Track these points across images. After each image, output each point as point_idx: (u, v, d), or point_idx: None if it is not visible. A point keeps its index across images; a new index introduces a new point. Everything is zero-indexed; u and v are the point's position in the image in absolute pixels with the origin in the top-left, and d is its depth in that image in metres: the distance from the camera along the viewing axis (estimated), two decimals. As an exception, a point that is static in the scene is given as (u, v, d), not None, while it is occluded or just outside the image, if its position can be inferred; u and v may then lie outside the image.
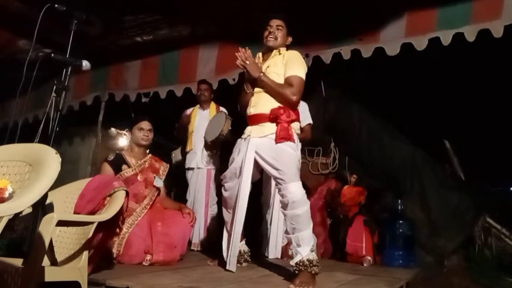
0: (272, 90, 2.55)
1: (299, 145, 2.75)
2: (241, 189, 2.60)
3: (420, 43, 3.46)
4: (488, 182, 5.65)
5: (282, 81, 2.56)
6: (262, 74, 2.56)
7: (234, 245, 2.63)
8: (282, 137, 2.46)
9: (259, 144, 2.55)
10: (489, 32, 3.19)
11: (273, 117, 2.52)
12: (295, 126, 2.58)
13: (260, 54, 2.76)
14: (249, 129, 2.65)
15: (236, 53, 2.59)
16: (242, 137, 2.70)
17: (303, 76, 2.56)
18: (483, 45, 3.32)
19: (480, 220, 3.96)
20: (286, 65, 2.58)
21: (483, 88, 5.52)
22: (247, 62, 2.56)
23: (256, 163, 2.60)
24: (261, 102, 2.60)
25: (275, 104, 2.54)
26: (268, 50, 2.70)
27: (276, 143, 2.47)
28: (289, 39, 2.72)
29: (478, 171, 5.23)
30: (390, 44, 3.61)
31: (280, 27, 2.66)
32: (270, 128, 2.53)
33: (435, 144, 4.84)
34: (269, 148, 2.50)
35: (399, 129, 4.59)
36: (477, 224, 3.95)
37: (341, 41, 3.83)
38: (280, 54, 2.66)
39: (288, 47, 2.74)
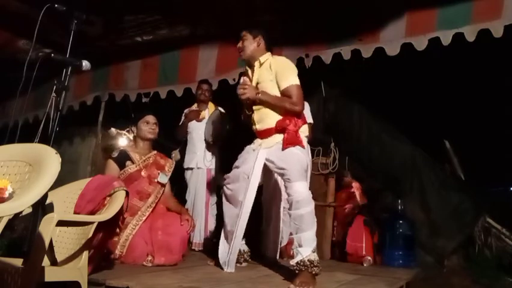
0: (273, 106, 2.59)
1: (309, 150, 2.78)
2: (246, 199, 2.63)
3: (420, 43, 3.45)
4: (488, 182, 5.64)
5: (275, 86, 2.58)
6: (259, 93, 2.58)
7: (234, 248, 2.65)
8: (289, 142, 2.50)
9: (269, 153, 2.59)
10: (489, 32, 3.18)
11: (281, 128, 2.55)
12: (303, 129, 2.61)
13: (246, 67, 2.80)
14: (258, 141, 2.69)
15: (239, 90, 2.62)
16: (252, 147, 2.72)
17: (298, 82, 2.58)
18: (483, 45, 3.32)
19: (480, 220, 3.95)
20: (277, 76, 2.58)
21: (483, 88, 5.51)
22: (246, 87, 2.59)
23: (263, 169, 2.64)
24: (265, 118, 2.64)
25: (279, 116, 2.58)
26: (249, 61, 2.74)
27: (283, 148, 2.51)
28: (258, 38, 2.68)
29: (478, 171, 5.22)
30: (390, 44, 3.60)
31: (244, 37, 2.69)
32: (279, 136, 2.56)
33: (435, 144, 4.83)
34: (278, 153, 2.54)
35: (399, 129, 4.59)
36: (477, 224, 3.94)
37: (341, 41, 3.82)
38: (261, 65, 2.67)
39: (272, 49, 2.75)
